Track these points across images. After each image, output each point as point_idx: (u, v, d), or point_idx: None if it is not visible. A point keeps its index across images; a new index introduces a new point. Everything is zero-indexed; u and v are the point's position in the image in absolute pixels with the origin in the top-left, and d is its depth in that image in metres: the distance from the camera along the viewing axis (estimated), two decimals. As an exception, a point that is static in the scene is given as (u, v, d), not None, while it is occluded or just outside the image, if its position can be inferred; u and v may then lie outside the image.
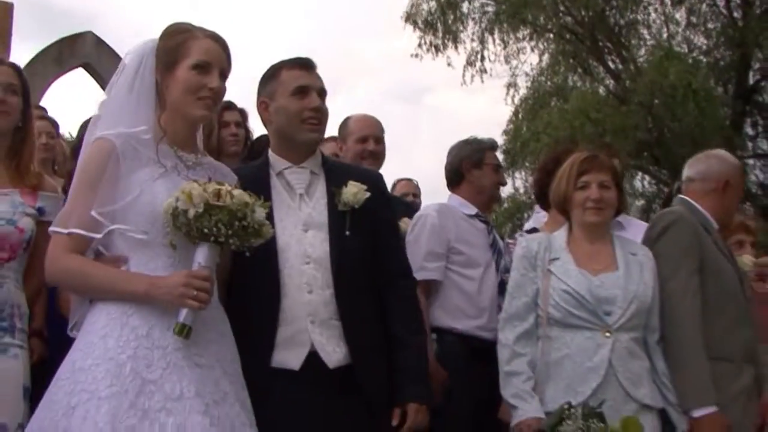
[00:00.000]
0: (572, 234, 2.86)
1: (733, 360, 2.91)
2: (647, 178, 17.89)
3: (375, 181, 2.70)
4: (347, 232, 2.52)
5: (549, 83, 16.14)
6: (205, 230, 2.00)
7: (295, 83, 2.56)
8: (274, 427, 2.20)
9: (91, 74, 9.13)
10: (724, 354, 2.88)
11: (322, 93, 2.61)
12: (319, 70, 2.66)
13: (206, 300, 2.01)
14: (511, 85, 15.81)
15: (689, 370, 2.79)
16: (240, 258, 2.19)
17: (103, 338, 2.02)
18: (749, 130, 17.99)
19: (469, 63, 15.92)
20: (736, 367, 2.91)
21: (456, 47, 15.83)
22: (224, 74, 2.28)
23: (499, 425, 3.05)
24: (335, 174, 2.62)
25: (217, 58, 2.25)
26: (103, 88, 9.20)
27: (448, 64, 15.86)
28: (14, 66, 2.84)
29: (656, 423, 2.77)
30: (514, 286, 2.85)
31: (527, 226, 3.78)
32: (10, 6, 8.41)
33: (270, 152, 2.63)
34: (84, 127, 3.65)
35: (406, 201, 4.10)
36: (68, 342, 2.35)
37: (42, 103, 7.70)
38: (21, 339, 2.64)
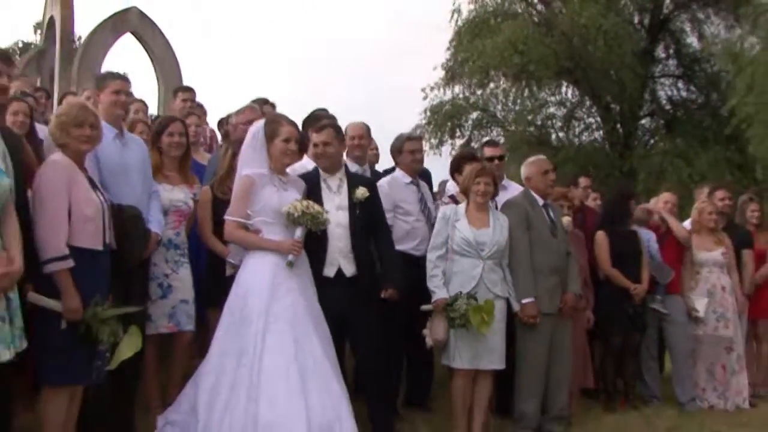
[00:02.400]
0: (468, 207, 5.03)
1: (542, 272, 5.06)
2: (572, 89, 20.14)
3: (373, 185, 4.83)
4: (358, 212, 4.57)
5: (489, 7, 18.06)
6: (301, 222, 4.18)
7: (313, 140, 4.72)
8: (322, 302, 4.25)
9: (137, 39, 10.98)
10: (537, 269, 5.04)
11: (325, 144, 4.61)
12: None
13: (300, 252, 4.18)
14: (456, 11, 17.63)
15: (520, 278, 5.01)
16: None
17: (255, 269, 4.16)
18: (661, 54, 20.25)
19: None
20: (544, 276, 5.06)
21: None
22: (297, 141, 4.38)
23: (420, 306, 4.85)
24: (352, 180, 4.69)
25: (294, 134, 4.33)
26: (146, 50, 11.12)
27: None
28: (182, 121, 4.89)
29: (504, 306, 4.90)
30: (436, 232, 4.99)
31: (453, 191, 5.55)
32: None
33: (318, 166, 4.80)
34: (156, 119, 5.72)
35: (377, 171, 6.22)
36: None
37: (104, 63, 9.66)
38: (187, 258, 4.76)
